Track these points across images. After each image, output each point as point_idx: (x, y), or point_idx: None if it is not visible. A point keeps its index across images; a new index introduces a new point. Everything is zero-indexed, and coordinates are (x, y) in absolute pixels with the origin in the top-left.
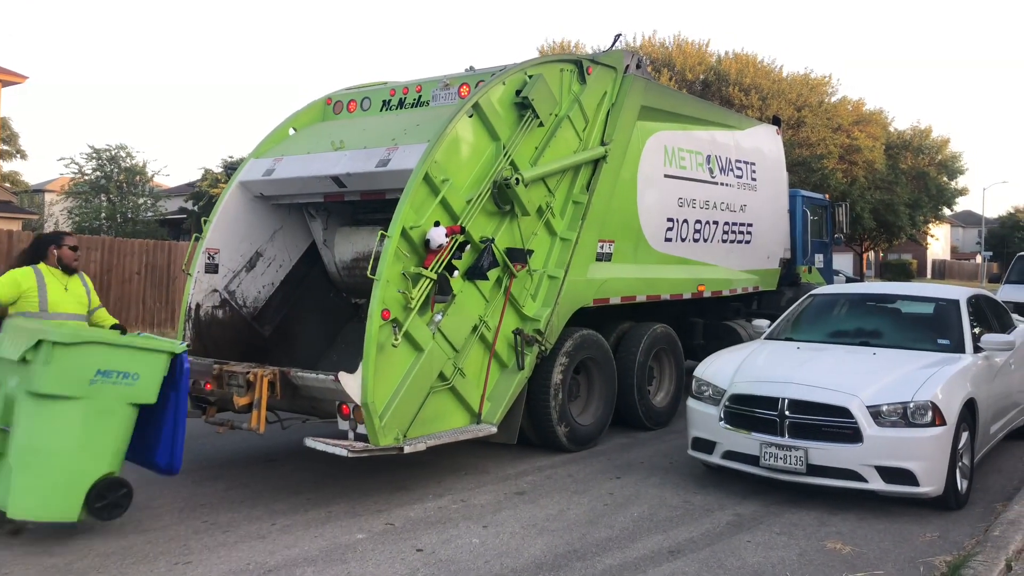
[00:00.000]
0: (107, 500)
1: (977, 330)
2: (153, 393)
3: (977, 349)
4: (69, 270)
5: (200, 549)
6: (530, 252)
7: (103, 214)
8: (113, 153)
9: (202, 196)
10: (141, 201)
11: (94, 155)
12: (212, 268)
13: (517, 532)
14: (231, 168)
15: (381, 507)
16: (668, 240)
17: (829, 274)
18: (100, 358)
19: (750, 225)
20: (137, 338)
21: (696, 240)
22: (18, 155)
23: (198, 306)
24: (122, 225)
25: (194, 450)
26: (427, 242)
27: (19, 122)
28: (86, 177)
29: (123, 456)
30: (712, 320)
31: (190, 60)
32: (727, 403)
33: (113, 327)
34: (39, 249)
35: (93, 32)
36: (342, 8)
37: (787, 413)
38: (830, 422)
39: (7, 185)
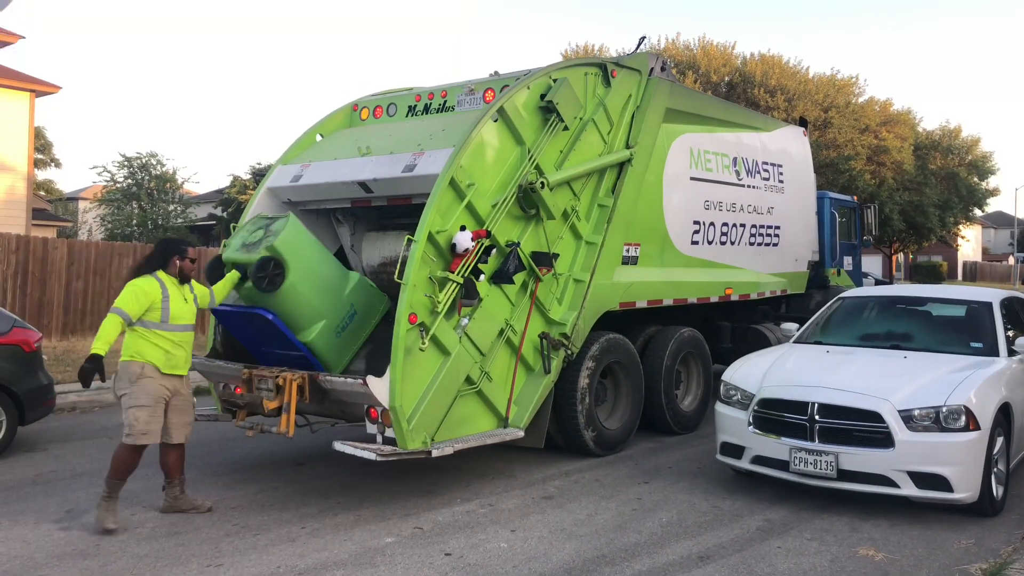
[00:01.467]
0: (265, 272)
1: (1011, 333)
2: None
3: (1012, 352)
4: (186, 279)
5: (231, 552)
6: (556, 256)
7: (134, 221)
8: (144, 161)
9: (231, 203)
10: (171, 208)
11: (125, 163)
12: None
13: (545, 537)
14: (259, 175)
15: (409, 511)
16: (695, 243)
17: (858, 276)
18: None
19: (777, 227)
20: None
21: (723, 243)
22: (52, 164)
23: None
24: (153, 232)
25: (224, 453)
26: (453, 246)
27: (53, 131)
28: (118, 185)
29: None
30: (740, 323)
31: (218, 69)
32: (756, 407)
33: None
34: (165, 257)
35: (123, 43)
36: (368, 16)
37: (817, 417)
38: (861, 426)
39: (42, 193)
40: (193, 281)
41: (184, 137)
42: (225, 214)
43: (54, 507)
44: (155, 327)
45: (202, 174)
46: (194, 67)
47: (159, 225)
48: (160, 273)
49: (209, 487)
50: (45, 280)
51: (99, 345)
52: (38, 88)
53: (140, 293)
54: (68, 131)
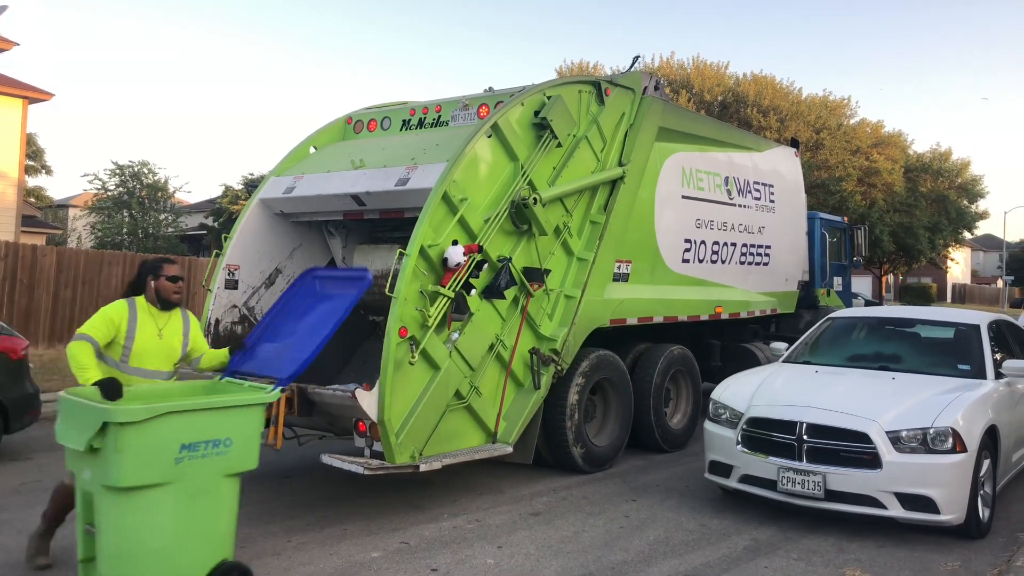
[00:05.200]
0: None
1: (998, 355)
2: (253, 457)
3: (999, 375)
4: (168, 305)
5: None
6: (547, 271)
7: (125, 229)
8: (136, 169)
9: (222, 213)
10: (162, 217)
11: (117, 171)
12: (232, 284)
13: (532, 553)
14: (252, 185)
15: (396, 525)
16: (686, 261)
17: (848, 297)
18: (181, 429)
19: (768, 247)
20: (223, 395)
21: (714, 261)
22: (43, 171)
23: (217, 321)
24: (143, 240)
25: None
26: (445, 260)
27: (45, 138)
28: (109, 193)
29: (234, 537)
30: (730, 342)
31: (212, 78)
32: (744, 426)
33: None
34: (140, 279)
35: (117, 51)
36: (362, 29)
37: (805, 437)
38: (849, 447)
39: (32, 200)
40: (194, 321)
41: (176, 146)
42: (216, 224)
43: (37, 517)
44: (114, 366)
45: (194, 183)
46: (187, 76)
47: (149, 234)
48: (139, 299)
49: None
50: (33, 287)
51: (90, 373)
52: (31, 95)
53: (104, 320)
54: (60, 138)
